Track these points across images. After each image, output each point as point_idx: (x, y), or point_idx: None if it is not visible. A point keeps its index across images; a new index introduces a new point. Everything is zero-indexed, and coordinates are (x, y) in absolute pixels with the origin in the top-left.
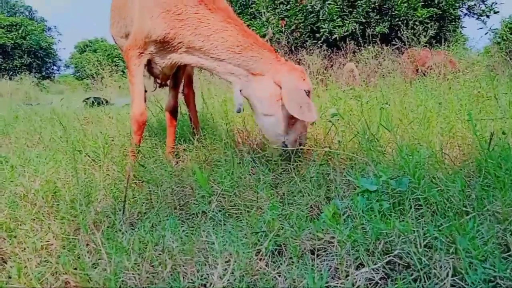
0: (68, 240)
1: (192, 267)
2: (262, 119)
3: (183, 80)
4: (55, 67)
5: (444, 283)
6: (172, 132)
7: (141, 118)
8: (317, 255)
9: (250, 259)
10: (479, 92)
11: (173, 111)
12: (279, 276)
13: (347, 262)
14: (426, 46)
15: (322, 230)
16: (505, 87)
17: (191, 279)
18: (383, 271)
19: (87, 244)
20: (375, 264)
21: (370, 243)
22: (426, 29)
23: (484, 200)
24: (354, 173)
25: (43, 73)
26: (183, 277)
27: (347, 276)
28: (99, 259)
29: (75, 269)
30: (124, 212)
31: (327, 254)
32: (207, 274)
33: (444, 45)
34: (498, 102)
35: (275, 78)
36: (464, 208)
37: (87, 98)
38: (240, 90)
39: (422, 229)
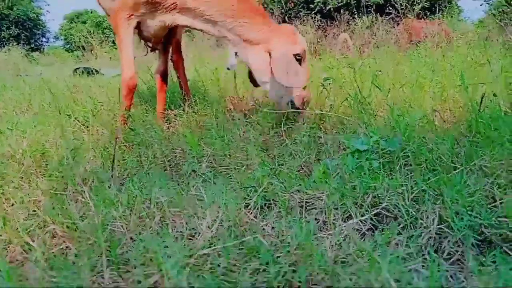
0: (56, 196)
1: (181, 219)
2: (263, 85)
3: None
4: (44, 39)
5: (430, 230)
6: (162, 97)
7: (131, 82)
8: (306, 208)
9: (239, 211)
10: (472, 59)
11: (164, 75)
12: (267, 226)
13: (335, 215)
14: (420, 16)
15: (312, 187)
16: (498, 54)
17: (180, 230)
18: (370, 223)
19: (76, 200)
20: (363, 216)
21: (358, 197)
22: None
23: (472, 156)
24: (345, 135)
25: (32, 45)
26: (172, 229)
27: (335, 228)
28: (87, 211)
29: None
30: (113, 170)
31: (315, 208)
32: (196, 226)
33: (438, 14)
34: (490, 66)
35: (266, 47)
36: (452, 164)
37: (77, 68)
38: (235, 52)
39: (410, 183)
